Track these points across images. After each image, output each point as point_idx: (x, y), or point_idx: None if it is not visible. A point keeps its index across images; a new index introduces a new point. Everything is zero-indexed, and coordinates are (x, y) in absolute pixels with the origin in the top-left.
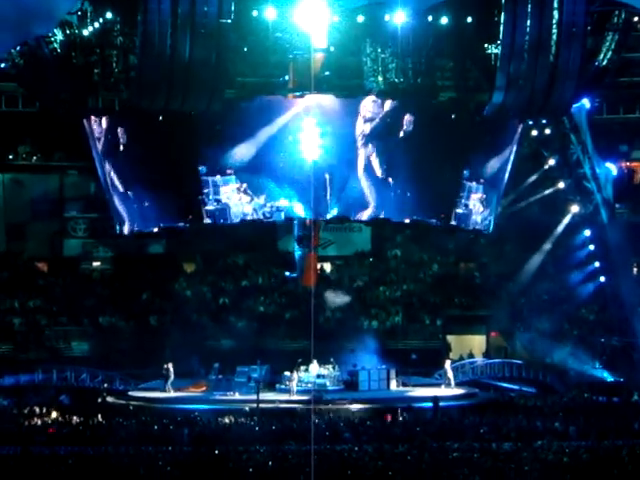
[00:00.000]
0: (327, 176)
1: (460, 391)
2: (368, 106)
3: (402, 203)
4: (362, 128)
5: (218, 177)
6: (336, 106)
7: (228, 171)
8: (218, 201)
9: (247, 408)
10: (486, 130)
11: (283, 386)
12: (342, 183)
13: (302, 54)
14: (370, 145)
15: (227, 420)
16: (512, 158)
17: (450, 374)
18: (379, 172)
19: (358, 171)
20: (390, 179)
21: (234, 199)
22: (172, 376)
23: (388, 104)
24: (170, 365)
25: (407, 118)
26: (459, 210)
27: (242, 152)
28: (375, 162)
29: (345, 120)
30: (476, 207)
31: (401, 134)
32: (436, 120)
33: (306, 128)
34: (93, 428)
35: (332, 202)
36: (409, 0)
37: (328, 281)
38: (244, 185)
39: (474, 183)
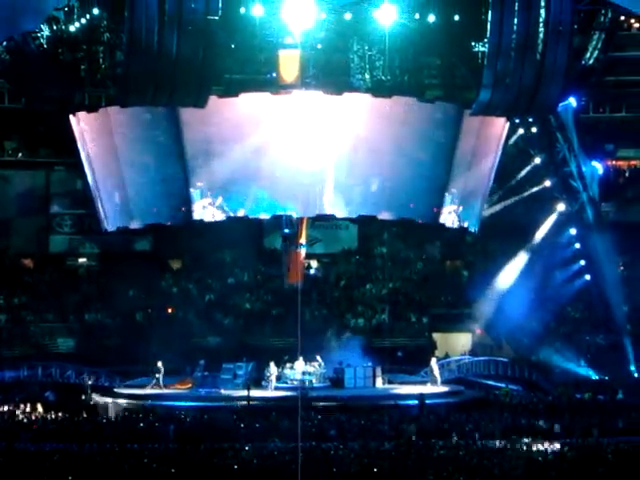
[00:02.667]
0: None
1: (446, 389)
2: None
3: (389, 200)
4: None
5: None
6: (324, 104)
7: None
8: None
9: (238, 405)
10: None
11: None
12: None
13: (290, 51)
14: (358, 143)
15: (212, 417)
16: (497, 159)
17: (436, 372)
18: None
19: (345, 169)
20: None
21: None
22: (162, 374)
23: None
24: (160, 363)
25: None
26: (445, 209)
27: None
28: (362, 160)
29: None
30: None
31: (389, 131)
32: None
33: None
34: (78, 425)
35: (320, 200)
36: None
37: (314, 279)
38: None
39: (458, 184)
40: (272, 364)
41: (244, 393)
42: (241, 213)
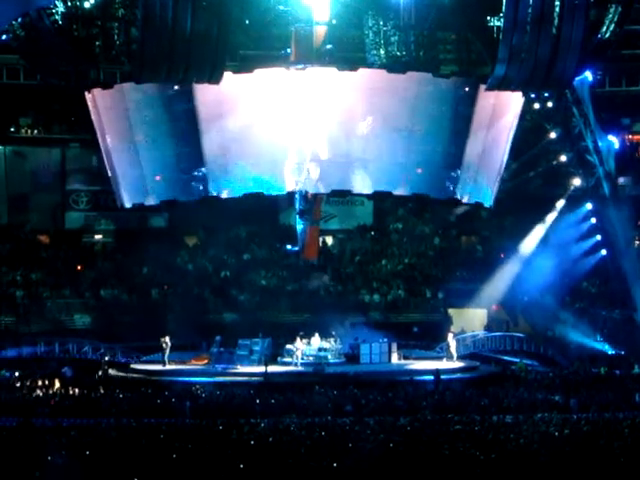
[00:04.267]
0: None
1: (461, 364)
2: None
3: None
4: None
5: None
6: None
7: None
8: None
9: (255, 381)
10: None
11: (285, 359)
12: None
13: (304, 27)
14: (370, 117)
15: (229, 393)
16: (512, 134)
17: (453, 348)
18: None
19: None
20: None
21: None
22: (168, 349)
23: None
24: (167, 338)
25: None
26: (460, 184)
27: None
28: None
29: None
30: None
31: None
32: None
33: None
34: (95, 400)
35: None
36: None
37: (330, 254)
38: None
39: (473, 159)
40: (298, 339)
41: (261, 369)
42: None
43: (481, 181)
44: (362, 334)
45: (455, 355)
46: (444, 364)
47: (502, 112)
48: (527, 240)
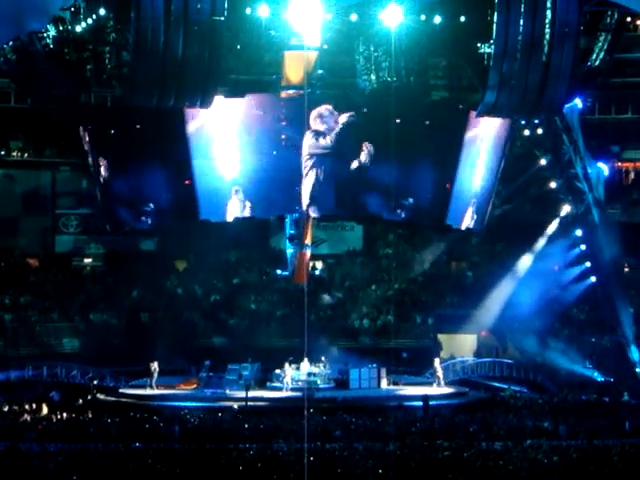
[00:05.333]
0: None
1: (450, 390)
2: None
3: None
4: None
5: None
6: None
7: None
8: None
9: (236, 406)
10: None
11: (274, 384)
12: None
13: (295, 52)
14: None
15: (218, 418)
16: (503, 161)
17: (440, 373)
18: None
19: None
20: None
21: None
22: (156, 374)
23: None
24: (156, 364)
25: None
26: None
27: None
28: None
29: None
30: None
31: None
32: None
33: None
34: (83, 425)
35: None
36: None
37: (320, 279)
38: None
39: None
40: (287, 365)
41: (249, 394)
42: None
43: (472, 207)
44: (351, 359)
45: (443, 381)
46: (433, 390)
47: (492, 139)
48: (516, 266)
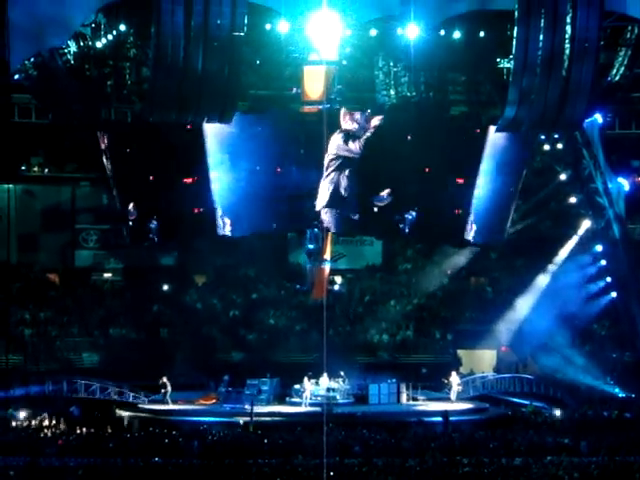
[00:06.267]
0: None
1: (470, 405)
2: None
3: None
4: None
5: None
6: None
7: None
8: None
9: (242, 421)
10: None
11: (293, 399)
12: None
13: (314, 67)
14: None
15: (236, 433)
16: (522, 176)
17: (455, 387)
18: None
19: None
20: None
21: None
22: (169, 388)
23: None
24: (165, 378)
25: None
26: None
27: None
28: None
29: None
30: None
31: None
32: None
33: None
34: (103, 440)
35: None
36: (422, 14)
37: (338, 294)
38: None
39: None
40: (305, 379)
41: (270, 409)
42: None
43: (492, 222)
44: (370, 375)
45: (455, 395)
46: (453, 405)
47: (511, 153)
48: (536, 281)
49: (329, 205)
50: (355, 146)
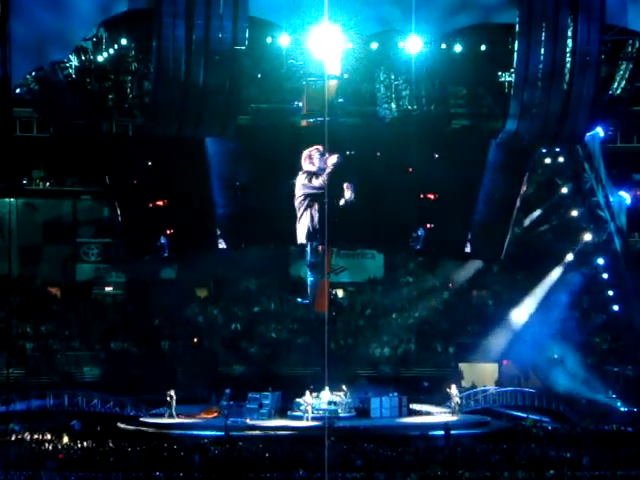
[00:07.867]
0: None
1: (471, 419)
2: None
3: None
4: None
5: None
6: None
7: None
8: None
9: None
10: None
11: (295, 413)
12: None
13: (316, 81)
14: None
15: (238, 446)
16: (523, 189)
17: (455, 400)
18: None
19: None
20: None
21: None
22: (174, 402)
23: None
24: (172, 392)
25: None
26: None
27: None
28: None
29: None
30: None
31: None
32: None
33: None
34: (104, 454)
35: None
36: (423, 27)
37: (340, 307)
38: None
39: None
40: (307, 393)
41: (272, 423)
42: None
43: (493, 235)
44: (372, 388)
45: (454, 408)
46: (455, 419)
47: (512, 167)
48: (538, 295)
49: (308, 239)
50: (319, 182)
